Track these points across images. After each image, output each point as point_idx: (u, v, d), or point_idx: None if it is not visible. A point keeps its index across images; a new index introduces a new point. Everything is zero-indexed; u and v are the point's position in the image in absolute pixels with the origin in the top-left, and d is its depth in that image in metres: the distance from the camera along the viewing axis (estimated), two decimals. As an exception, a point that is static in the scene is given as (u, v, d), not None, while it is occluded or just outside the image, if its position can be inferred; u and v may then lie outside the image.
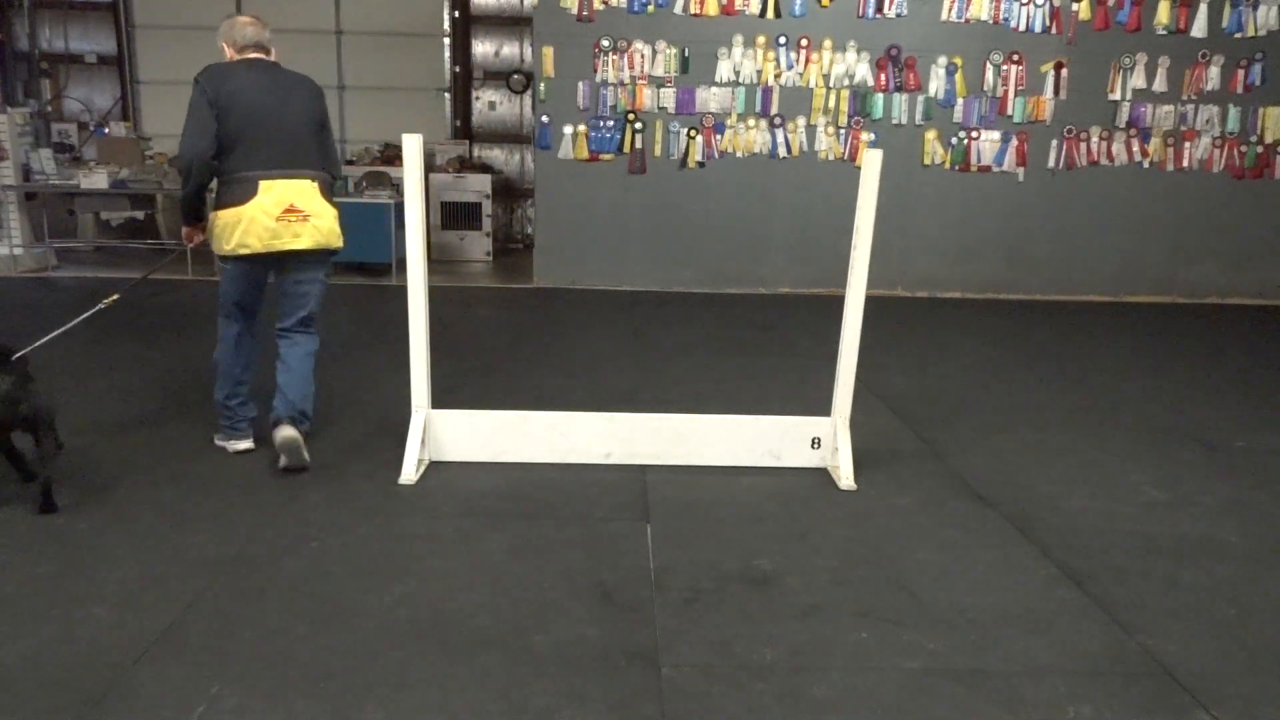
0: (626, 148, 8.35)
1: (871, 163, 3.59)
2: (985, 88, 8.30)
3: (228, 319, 3.82)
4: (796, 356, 6.02)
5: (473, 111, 12.22)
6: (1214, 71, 8.30)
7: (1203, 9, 8.17)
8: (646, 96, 8.25)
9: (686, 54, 8.17)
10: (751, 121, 8.32)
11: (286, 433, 3.67)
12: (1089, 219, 8.62)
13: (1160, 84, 8.31)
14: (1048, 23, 8.18)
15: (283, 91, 3.68)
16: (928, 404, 4.98)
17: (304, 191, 3.65)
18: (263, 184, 3.57)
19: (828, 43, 8.18)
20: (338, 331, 6.33)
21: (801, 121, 8.33)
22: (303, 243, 3.67)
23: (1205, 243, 8.72)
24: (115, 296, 3.90)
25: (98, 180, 8.70)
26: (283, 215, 3.60)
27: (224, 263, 3.75)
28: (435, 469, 3.78)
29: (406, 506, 3.41)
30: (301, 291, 3.82)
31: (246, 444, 3.90)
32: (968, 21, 8.17)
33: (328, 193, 3.77)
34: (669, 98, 8.26)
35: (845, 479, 3.73)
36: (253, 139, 3.58)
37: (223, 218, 3.61)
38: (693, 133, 8.33)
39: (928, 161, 8.45)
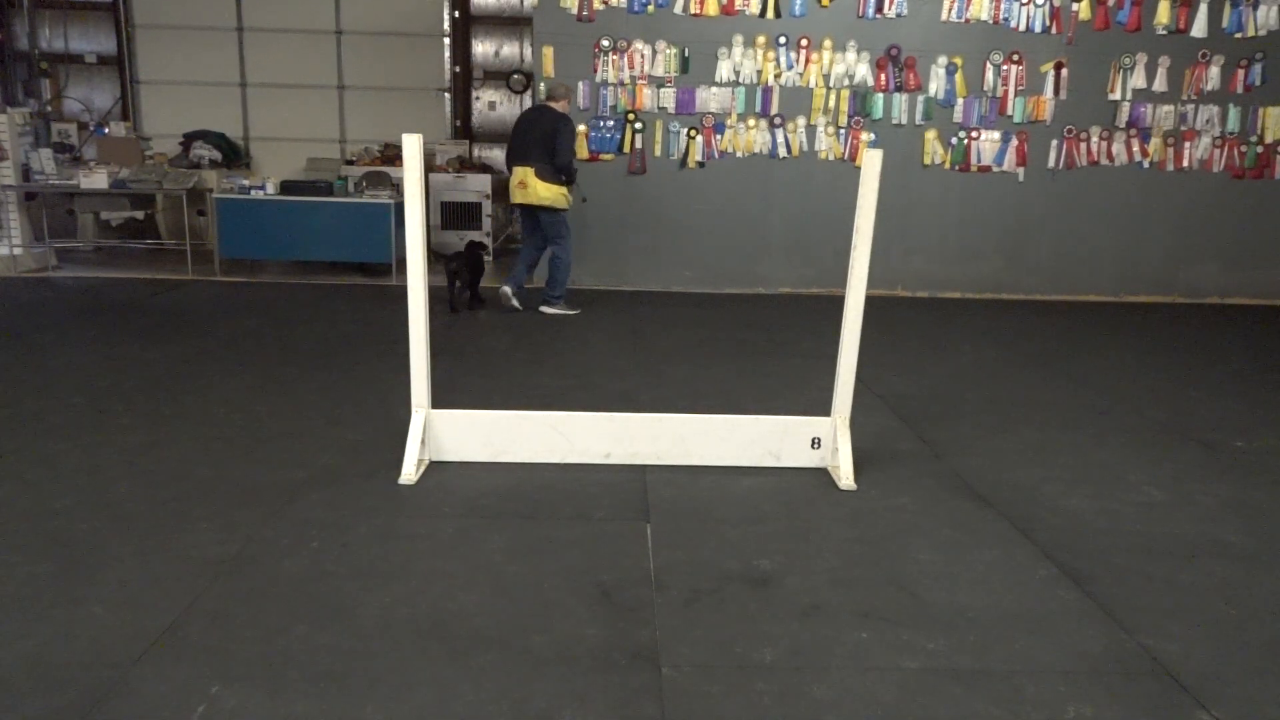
0: (626, 148, 8.35)
1: (871, 163, 3.59)
2: (985, 88, 8.30)
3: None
4: (796, 356, 6.02)
5: (473, 111, 12.23)
6: (1214, 71, 8.30)
7: (1203, 9, 8.17)
8: (646, 96, 8.25)
9: (686, 54, 8.17)
10: (751, 121, 8.32)
11: (501, 289, 7.18)
12: (1089, 219, 8.63)
13: (1160, 84, 8.31)
14: (1048, 23, 8.18)
15: (534, 120, 6.88)
16: (928, 404, 4.98)
17: (528, 173, 6.82)
18: (514, 169, 6.94)
19: (828, 43, 8.18)
20: (338, 331, 6.34)
21: (801, 121, 8.33)
22: (523, 199, 6.95)
23: (1205, 243, 8.72)
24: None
25: (98, 180, 8.70)
26: (517, 185, 6.92)
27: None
28: (435, 469, 3.79)
29: (406, 506, 3.41)
30: (541, 225, 7.09)
31: (516, 304, 7.21)
32: (968, 21, 8.18)
33: (544, 175, 6.77)
34: (669, 98, 8.26)
35: (845, 479, 3.73)
36: (513, 145, 7.01)
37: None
38: (693, 133, 8.33)
39: (928, 161, 8.46)
